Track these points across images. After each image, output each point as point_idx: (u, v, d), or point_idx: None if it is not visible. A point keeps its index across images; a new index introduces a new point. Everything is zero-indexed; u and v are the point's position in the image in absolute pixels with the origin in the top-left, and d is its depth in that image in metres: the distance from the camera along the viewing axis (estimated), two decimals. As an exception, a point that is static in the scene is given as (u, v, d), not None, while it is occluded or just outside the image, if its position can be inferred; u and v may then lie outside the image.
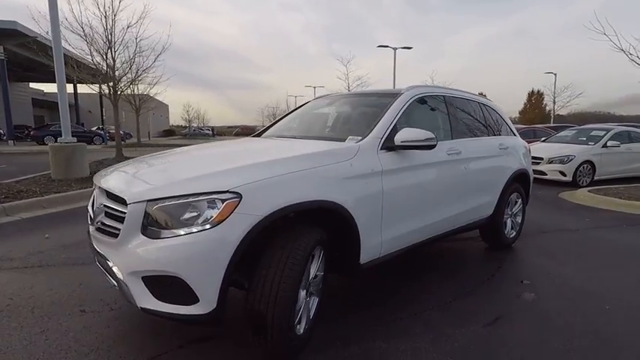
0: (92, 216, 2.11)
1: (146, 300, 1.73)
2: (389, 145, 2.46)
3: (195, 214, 1.69)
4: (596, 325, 2.38)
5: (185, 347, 2.08)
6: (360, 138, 2.45)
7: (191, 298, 1.67)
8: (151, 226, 1.72)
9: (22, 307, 2.52)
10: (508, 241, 3.89)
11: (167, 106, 56.13)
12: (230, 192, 1.72)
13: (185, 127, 54.50)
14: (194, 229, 1.67)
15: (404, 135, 2.43)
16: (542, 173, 8.55)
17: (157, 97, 21.45)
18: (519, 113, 47.17)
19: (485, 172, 3.40)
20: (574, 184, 8.19)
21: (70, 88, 26.28)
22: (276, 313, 1.73)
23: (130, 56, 10.94)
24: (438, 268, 3.34)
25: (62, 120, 7.05)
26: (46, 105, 37.73)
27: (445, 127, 3.16)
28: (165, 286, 1.70)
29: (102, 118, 33.09)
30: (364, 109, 3.10)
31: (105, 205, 1.98)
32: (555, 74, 30.71)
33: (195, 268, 1.65)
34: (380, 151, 2.41)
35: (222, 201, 1.70)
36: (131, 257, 1.74)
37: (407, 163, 2.55)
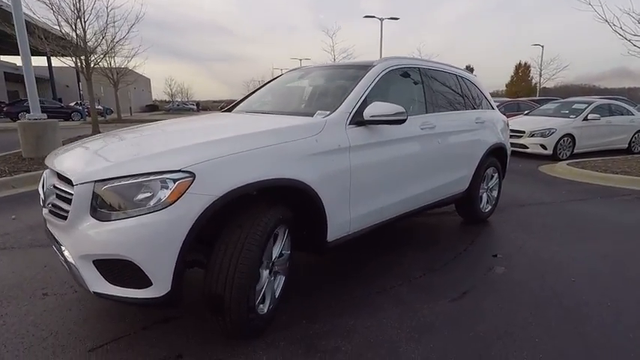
0: (43, 198, 2.00)
1: (98, 284, 1.67)
2: (358, 120, 2.38)
3: (146, 195, 1.61)
4: (561, 297, 2.42)
5: (149, 328, 2.04)
6: (328, 113, 2.36)
7: (144, 281, 1.61)
8: (100, 208, 1.63)
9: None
10: (483, 215, 3.91)
11: (149, 80, 54.41)
12: (182, 171, 1.63)
13: (169, 102, 53.14)
14: (145, 211, 1.59)
15: (373, 110, 2.34)
16: (524, 147, 8.60)
17: (137, 71, 20.72)
18: (506, 86, 47.14)
19: (460, 147, 3.36)
20: (554, 158, 8.27)
21: (43, 61, 25.09)
22: (233, 295, 1.68)
23: (101, 27, 10.38)
24: (410, 242, 3.34)
25: (29, 95, 6.71)
26: (20, 79, 35.72)
27: (420, 101, 3.08)
28: (117, 269, 1.63)
29: (79, 93, 31.89)
30: (336, 83, 2.98)
31: (55, 187, 1.88)
32: (542, 46, 30.55)
33: (146, 251, 1.58)
34: (348, 126, 2.33)
35: (174, 181, 1.61)
36: (81, 240, 1.65)
37: (377, 139, 2.47)
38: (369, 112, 2.34)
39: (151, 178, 1.62)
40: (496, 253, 3.13)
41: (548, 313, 2.23)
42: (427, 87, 3.14)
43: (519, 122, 9.14)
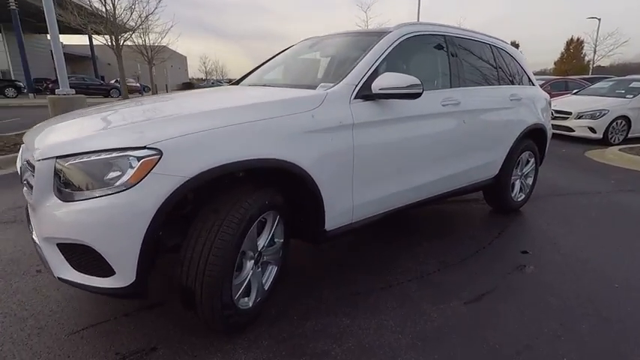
0: (20, 174, 1.89)
1: (62, 269, 1.53)
2: (366, 93, 2.07)
3: (108, 173, 1.42)
4: (599, 306, 2.06)
5: (130, 315, 1.92)
6: (331, 85, 2.07)
7: (107, 269, 1.45)
8: (65, 187, 1.47)
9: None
10: (515, 204, 3.51)
11: (185, 58, 55.31)
12: (148, 148, 1.43)
13: (204, 80, 53.96)
14: (106, 192, 1.41)
15: (382, 81, 2.02)
16: (569, 129, 7.83)
17: (172, 48, 20.95)
18: (555, 64, 43.72)
19: (490, 127, 2.96)
20: (605, 142, 7.47)
21: (85, 39, 25.95)
22: (205, 290, 1.50)
23: (130, 2, 10.38)
24: (427, 232, 3.03)
25: (58, 72, 6.82)
26: (67, 57, 37.66)
27: (444, 73, 2.70)
28: (80, 255, 1.48)
29: (121, 71, 32.90)
30: (347, 52, 2.65)
31: (28, 162, 1.75)
32: (599, 19, 27.77)
33: (106, 237, 1.41)
34: (354, 100, 2.03)
35: (138, 159, 1.42)
36: (44, 221, 1.51)
37: (388, 116, 2.16)
38: (377, 85, 2.03)
39: (114, 155, 1.43)
40: (526, 249, 2.76)
41: (582, 326, 1.89)
42: (453, 57, 2.75)
43: (566, 102, 8.31)
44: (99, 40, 11.79)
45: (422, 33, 2.55)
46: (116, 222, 1.40)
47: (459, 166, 2.73)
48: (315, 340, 1.75)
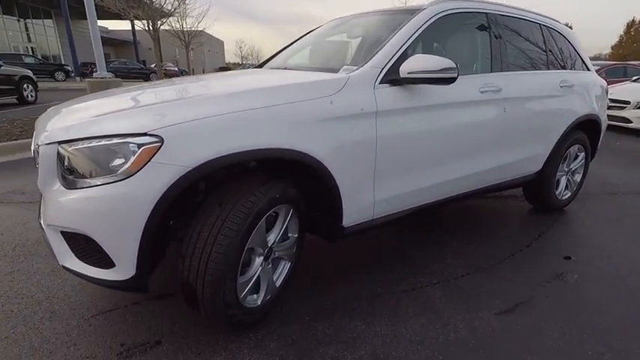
0: (34, 157, 1.87)
1: (66, 258, 1.49)
2: (393, 77, 1.87)
3: (109, 161, 1.34)
4: (656, 327, 1.79)
5: (141, 304, 1.88)
6: (355, 68, 1.89)
7: (107, 261, 1.39)
8: (68, 174, 1.41)
9: (7, 243, 2.50)
10: (559, 203, 3.18)
11: (222, 42, 56.05)
12: (149, 135, 1.33)
13: (240, 65, 54.53)
14: (106, 180, 1.33)
15: (411, 64, 1.81)
16: (626, 121, 7.12)
17: (208, 32, 21.17)
18: (612, 48, 40.18)
19: (535, 117, 2.65)
20: (667, 136, 6.73)
21: (127, 25, 26.81)
22: (206, 288, 1.40)
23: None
24: (459, 230, 2.80)
25: (96, 56, 7.01)
26: (111, 42, 39.28)
27: (484, 56, 2.42)
28: (82, 245, 1.43)
29: (160, 55, 33.87)
30: (376, 33, 2.43)
31: (38, 146, 1.72)
32: (669, -2, 24.94)
33: (104, 228, 1.34)
34: (379, 85, 1.84)
35: (139, 146, 1.32)
36: (49, 207, 1.47)
37: (417, 103, 1.95)
38: (406, 68, 1.82)
39: (114, 141, 1.34)
40: (569, 254, 2.48)
41: (635, 349, 1.65)
42: (496, 39, 2.46)
43: (623, 90, 7.54)
44: (139, 25, 12.04)
45: (461, 10, 2.28)
46: (115, 213, 1.32)
47: (496, 159, 2.47)
48: (326, 344, 1.63)
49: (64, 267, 1.50)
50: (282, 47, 3.19)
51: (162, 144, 1.33)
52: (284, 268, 1.86)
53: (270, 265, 1.72)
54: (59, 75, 20.44)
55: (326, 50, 2.86)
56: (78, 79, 22.17)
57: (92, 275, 1.44)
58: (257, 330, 1.70)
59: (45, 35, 28.18)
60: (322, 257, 2.36)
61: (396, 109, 1.87)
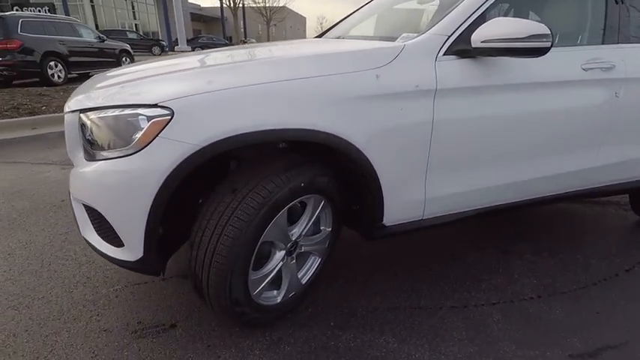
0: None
1: (87, 229, 1.46)
2: (462, 47, 1.50)
3: (119, 133, 1.24)
4: None
5: (168, 281, 1.85)
6: (415, 36, 1.55)
7: (117, 240, 1.32)
8: (88, 145, 1.35)
9: (69, 205, 2.67)
10: (681, 219, 2.48)
11: (304, 18, 56.29)
12: (160, 106, 1.19)
13: (320, 42, 54.50)
14: (116, 154, 1.24)
15: (488, 30, 1.42)
16: None
17: (290, 8, 21.26)
18: None
19: (661, 106, 2.02)
20: None
21: (216, 1, 28.07)
22: (211, 282, 1.26)
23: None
24: (535, 239, 2.32)
25: (178, 31, 7.37)
26: (203, 19, 41.83)
27: (594, 25, 1.87)
28: (98, 219, 1.37)
29: (244, 31, 35.15)
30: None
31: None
32: None
33: (113, 206, 1.26)
34: (442, 57, 1.49)
35: (148, 118, 1.19)
36: (72, 178, 1.44)
37: (492, 81, 1.56)
38: (480, 35, 1.43)
39: (126, 112, 1.23)
40: (689, 288, 1.90)
41: None
42: (615, 2, 1.88)
43: None
44: (226, 1, 12.41)
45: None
46: (121, 190, 1.23)
47: (597, 158, 1.94)
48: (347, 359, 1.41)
49: (84, 238, 1.47)
50: (348, 14, 2.88)
51: (171, 117, 1.18)
52: (312, 264, 1.66)
53: (294, 261, 1.53)
54: (155, 49, 22.28)
55: (393, 19, 2.50)
56: (171, 53, 24.09)
57: (105, 252, 1.38)
58: (274, 329, 1.54)
59: (147, 13, 30.89)
60: (361, 253, 2.11)
61: (462, 88, 1.51)
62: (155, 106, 1.19)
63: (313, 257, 1.67)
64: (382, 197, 1.51)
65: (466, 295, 1.78)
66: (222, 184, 1.31)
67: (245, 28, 12.20)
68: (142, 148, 1.19)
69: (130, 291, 1.76)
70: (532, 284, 1.87)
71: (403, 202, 1.59)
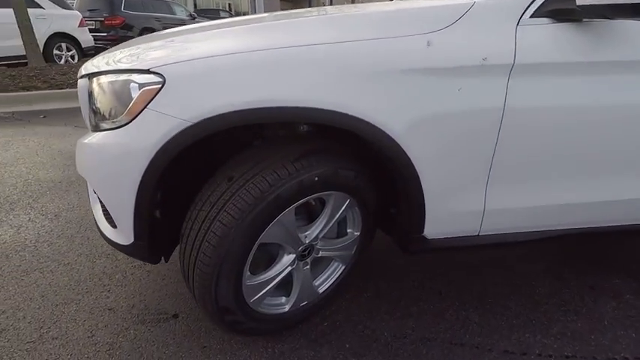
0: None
1: (94, 203, 1.39)
2: (562, 7, 1.07)
3: (113, 102, 1.09)
4: None
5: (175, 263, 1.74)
6: (493, -8, 1.15)
7: (111, 220, 1.20)
8: (93, 114, 1.24)
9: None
10: None
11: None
12: (152, 72, 1.01)
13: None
14: (108, 126, 1.10)
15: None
16: None
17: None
18: None
19: None
20: None
21: (304, -21, 28.05)
22: (196, 284, 1.08)
23: None
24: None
25: (257, 5, 7.33)
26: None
27: None
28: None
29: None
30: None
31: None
32: None
33: (101, 182, 1.14)
34: (528, 20, 1.08)
35: (140, 86, 1.02)
36: (76, 148, 1.35)
37: (609, 55, 1.10)
38: (591, -14, 0.99)
39: (121, 78, 1.08)
40: None
41: None
42: None
43: None
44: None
45: None
46: (107, 166, 1.09)
47: None
48: (354, 399, 1.14)
49: (93, 211, 1.40)
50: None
51: (162, 86, 0.99)
52: (334, 271, 1.41)
53: (307, 267, 1.29)
54: (243, 27, 23.15)
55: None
56: (257, 31, 24.79)
57: (102, 230, 1.28)
58: (279, 341, 1.32)
59: (240, -7, 32.13)
60: (398, 263, 1.78)
61: (554, 64, 1.08)
62: (147, 72, 1.01)
63: (335, 264, 1.41)
64: (423, 203, 1.18)
65: (529, 338, 1.38)
66: (221, 169, 1.11)
67: (332, 3, 11.87)
68: (131, 121, 1.03)
69: (147, 270, 1.69)
70: (630, 338, 1.39)
71: (453, 211, 1.23)
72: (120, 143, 1.04)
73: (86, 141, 1.16)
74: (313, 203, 1.23)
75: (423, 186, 1.14)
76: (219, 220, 1.00)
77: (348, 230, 1.36)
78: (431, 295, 1.56)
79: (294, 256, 1.22)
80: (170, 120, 0.98)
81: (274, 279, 1.20)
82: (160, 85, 0.99)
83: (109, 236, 1.24)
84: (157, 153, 1.00)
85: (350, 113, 1.00)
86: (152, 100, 0.99)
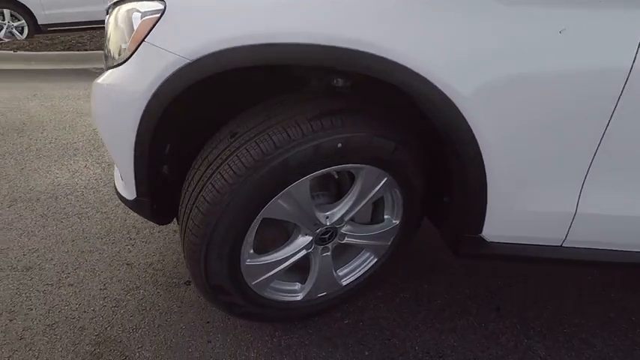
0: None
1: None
2: None
3: (121, 33, 0.95)
4: None
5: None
6: None
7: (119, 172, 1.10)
8: (105, 48, 1.12)
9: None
10: None
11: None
12: (155, -1, 0.84)
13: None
14: (110, 63, 0.97)
15: None
16: None
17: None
18: None
19: None
20: None
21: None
22: (186, 253, 0.92)
23: None
24: None
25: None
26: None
27: None
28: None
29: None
30: None
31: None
32: None
33: (103, 127, 1.02)
34: None
35: (142, 15, 0.86)
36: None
37: None
38: None
39: (129, 6, 0.92)
40: None
41: None
42: None
43: None
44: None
45: None
46: (106, 109, 0.97)
47: None
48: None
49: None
50: None
51: (161, 15, 0.81)
52: (363, 263, 1.17)
53: (328, 253, 1.07)
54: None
55: None
56: None
57: (115, 181, 1.20)
58: (287, 331, 1.15)
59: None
60: (450, 260, 1.46)
61: None
62: (150, -2, 0.84)
63: (366, 255, 1.17)
64: (485, 195, 0.88)
65: (617, 393, 1.01)
66: (229, 123, 0.92)
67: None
68: (130, 56, 0.88)
69: (174, 230, 1.62)
70: None
71: (528, 210, 0.91)
72: (116, 83, 0.91)
73: (97, 80, 1.05)
74: (336, 177, 0.99)
75: (487, 172, 0.84)
76: (211, 184, 0.82)
77: (385, 216, 1.11)
78: (485, 310, 1.25)
79: (311, 238, 1.01)
80: (166, 56, 0.80)
81: (284, 262, 1.01)
82: (159, 15, 0.82)
83: (118, 189, 1.15)
84: (153, 96, 0.84)
85: (398, 61, 0.73)
86: (150, 31, 0.83)
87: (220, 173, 0.81)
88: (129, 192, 1.06)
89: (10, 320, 1.17)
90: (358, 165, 0.91)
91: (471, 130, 0.79)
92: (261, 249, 1.02)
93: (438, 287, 1.33)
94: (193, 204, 0.85)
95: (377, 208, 1.14)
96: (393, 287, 1.32)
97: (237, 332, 1.14)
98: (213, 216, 0.82)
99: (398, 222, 1.11)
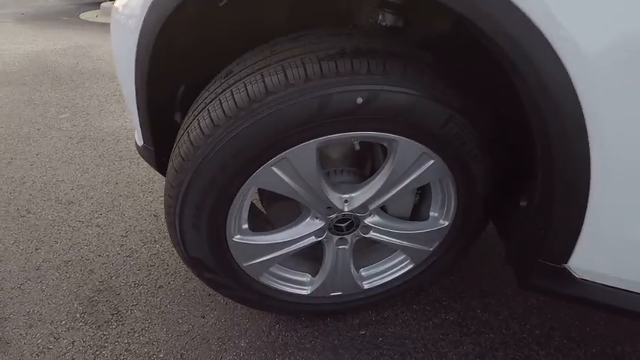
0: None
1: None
2: None
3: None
4: None
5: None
6: None
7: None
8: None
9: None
10: None
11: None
12: None
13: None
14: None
15: None
16: None
17: None
18: None
19: None
20: None
21: None
22: (166, 207, 0.77)
23: None
24: None
25: None
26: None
27: None
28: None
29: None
30: None
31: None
32: None
33: (118, 62, 0.90)
34: None
35: None
36: None
37: None
38: None
39: None
40: None
41: None
42: None
43: None
44: None
45: None
46: (115, 36, 0.85)
47: None
48: None
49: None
50: None
51: None
52: (394, 267, 0.92)
53: (346, 246, 0.84)
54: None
55: None
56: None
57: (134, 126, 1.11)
58: (290, 328, 0.96)
59: None
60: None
61: None
62: None
63: (400, 258, 0.91)
64: (584, 206, 0.55)
65: None
66: (236, 60, 0.72)
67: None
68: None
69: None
70: None
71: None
72: (117, 21, 0.78)
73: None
74: (358, 148, 0.74)
75: (592, 173, 0.51)
76: (187, 134, 0.65)
77: (431, 213, 0.83)
78: (549, 355, 0.90)
79: (323, 224, 0.79)
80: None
81: (285, 246, 0.81)
82: None
83: (135, 135, 1.06)
84: (144, 21, 0.69)
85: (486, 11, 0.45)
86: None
87: (198, 121, 0.63)
88: (138, 137, 0.96)
89: (36, 249, 1.20)
90: (389, 136, 0.65)
91: (580, 108, 0.48)
92: (271, 228, 0.84)
93: (496, 317, 1.00)
94: (173, 160, 0.69)
95: (422, 201, 0.87)
96: (435, 303, 1.04)
97: (234, 314, 1.00)
98: (184, 174, 0.65)
99: (448, 223, 0.82)
